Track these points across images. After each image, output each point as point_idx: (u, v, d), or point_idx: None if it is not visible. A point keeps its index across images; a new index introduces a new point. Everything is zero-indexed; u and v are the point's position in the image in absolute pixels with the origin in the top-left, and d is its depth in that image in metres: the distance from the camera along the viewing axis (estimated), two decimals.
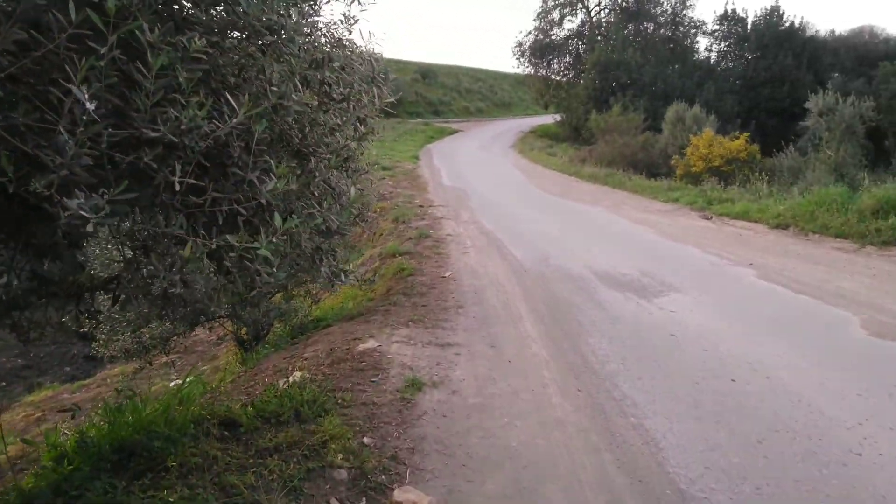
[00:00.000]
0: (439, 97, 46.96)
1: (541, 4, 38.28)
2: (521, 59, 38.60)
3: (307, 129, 2.82)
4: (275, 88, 2.37)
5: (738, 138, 18.02)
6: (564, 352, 5.65)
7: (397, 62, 47.33)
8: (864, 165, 16.37)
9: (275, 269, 2.21)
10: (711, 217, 13.45)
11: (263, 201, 2.33)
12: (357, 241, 13.92)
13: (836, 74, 29.84)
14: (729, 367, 5.34)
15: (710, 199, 14.74)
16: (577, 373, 5.17)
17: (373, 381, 4.68)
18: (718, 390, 4.86)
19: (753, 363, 5.40)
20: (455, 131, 35.90)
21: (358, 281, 6.40)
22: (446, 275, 8.63)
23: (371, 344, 5.44)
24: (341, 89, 2.94)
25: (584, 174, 20.25)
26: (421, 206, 15.19)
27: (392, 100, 4.33)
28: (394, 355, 5.24)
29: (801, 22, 30.88)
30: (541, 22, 38.10)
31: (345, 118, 3.12)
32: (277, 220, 2.21)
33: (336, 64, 2.86)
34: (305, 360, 5.27)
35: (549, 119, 38.40)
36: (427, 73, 48.33)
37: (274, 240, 2.17)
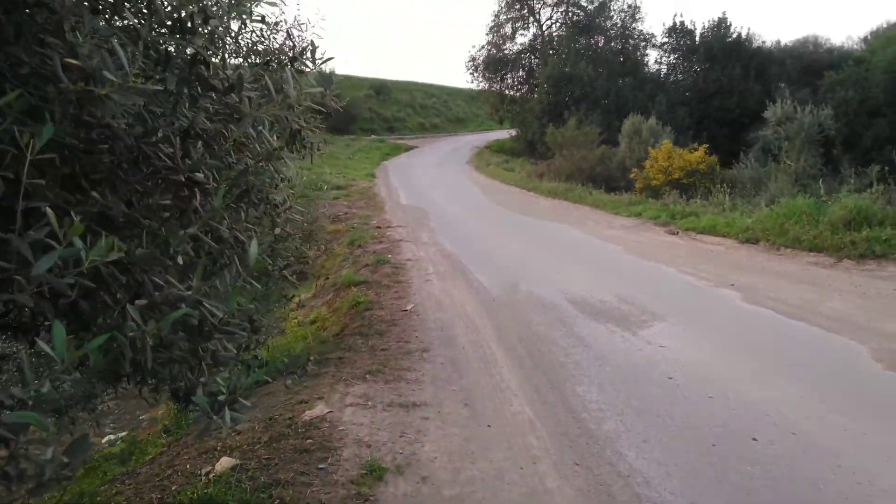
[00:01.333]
0: (393, 113, 45.99)
1: (492, 18, 37.77)
2: (475, 74, 37.96)
3: (174, 139, 1.79)
4: (74, 61, 1.32)
5: (696, 150, 17.53)
6: (551, 407, 4.70)
7: (349, 78, 46.20)
8: (825, 174, 16.05)
9: (52, 455, 1.14)
10: (678, 232, 12.79)
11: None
12: (310, 268, 12.80)
13: (783, 84, 30.02)
14: (744, 419, 4.47)
15: (674, 213, 14.12)
16: (570, 437, 4.22)
17: (320, 469, 3.64)
18: (741, 455, 3.98)
19: (771, 413, 4.55)
20: (411, 148, 34.97)
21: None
22: (408, 308, 7.62)
23: (320, 410, 4.39)
24: (227, 73, 1.88)
25: (543, 189, 19.52)
26: (378, 227, 14.16)
27: (333, 96, 3.38)
28: (347, 426, 4.21)
29: (748, 33, 31.02)
30: (493, 36, 37.57)
31: (256, 118, 2.08)
32: (58, 340, 1.15)
33: (216, 23, 1.81)
34: (238, 434, 4.20)
35: (504, 134, 37.79)
36: (381, 89, 47.28)
37: (45, 388, 1.13)
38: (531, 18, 37.71)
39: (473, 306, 7.59)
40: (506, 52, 37.68)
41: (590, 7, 36.23)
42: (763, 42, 31.71)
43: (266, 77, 1.94)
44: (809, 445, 4.09)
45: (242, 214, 2.07)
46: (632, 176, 18.45)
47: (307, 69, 2.68)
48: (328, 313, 8.18)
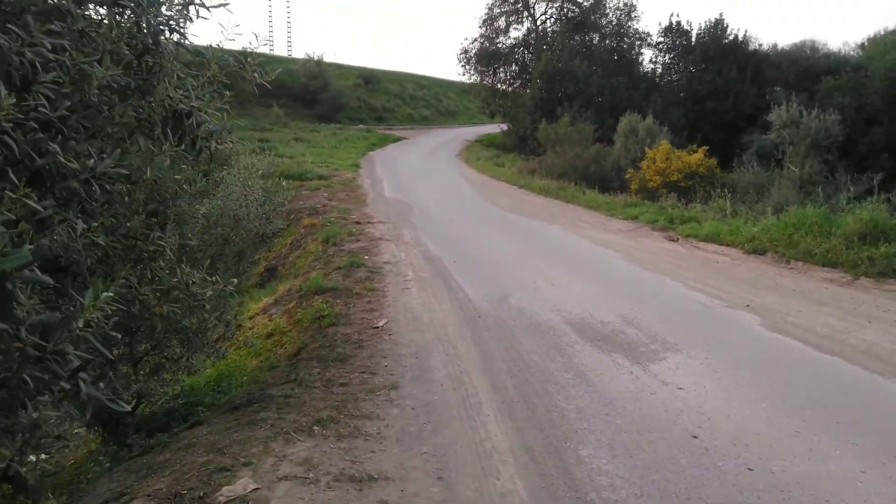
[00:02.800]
0: (383, 103, 44.54)
1: (486, 11, 36.38)
2: (467, 67, 36.59)
3: None
4: None
5: (695, 152, 16.44)
6: (550, 481, 3.54)
7: (338, 66, 44.66)
8: (830, 181, 15.03)
9: None
10: (678, 239, 11.70)
11: None
12: (279, 264, 11.59)
13: (779, 88, 29.06)
14: None
15: (672, 217, 13.05)
16: None
17: None
18: None
19: (832, 499, 3.43)
20: (399, 139, 33.66)
21: None
22: (380, 324, 6.44)
23: (241, 487, 3.19)
24: None
25: (535, 187, 18.36)
26: (357, 222, 12.95)
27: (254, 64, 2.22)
28: None
29: (745, 35, 29.95)
30: (486, 29, 36.18)
31: None
32: None
33: None
34: None
35: (495, 128, 36.50)
36: (370, 79, 45.79)
37: None
38: (525, 13, 36.45)
39: (456, 325, 6.42)
40: (499, 45, 36.39)
41: (585, 3, 35.02)
42: (760, 45, 30.71)
43: None
44: None
45: None
46: (627, 176, 17.35)
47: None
48: (288, 325, 6.99)
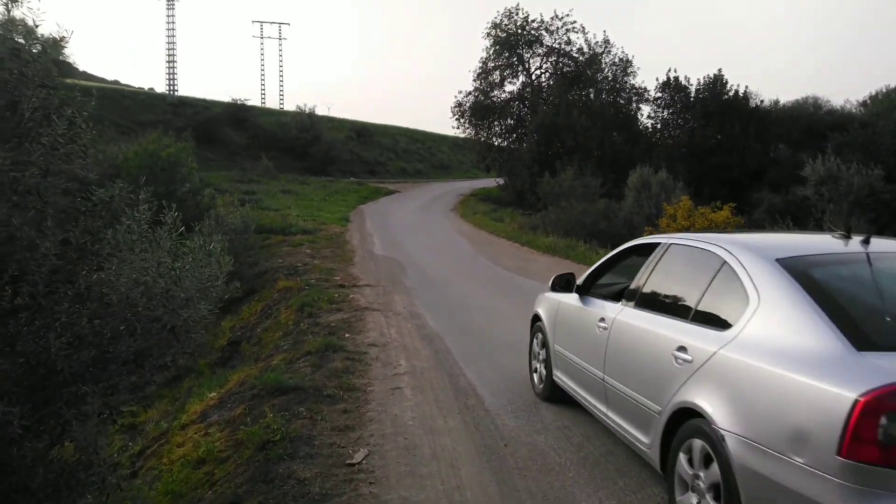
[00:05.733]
0: (375, 157, 42.96)
1: (480, 65, 35.06)
2: (462, 120, 34.98)
3: None
4: None
5: (720, 209, 14.48)
6: None
7: (331, 119, 43.25)
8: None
9: None
10: None
11: None
12: (244, 336, 9.29)
13: (783, 145, 27.63)
14: None
15: None
16: None
17: None
18: None
19: None
20: (391, 192, 31.74)
21: None
22: (356, 459, 4.14)
23: None
24: None
25: (540, 245, 16.25)
26: (341, 285, 10.71)
27: None
28: None
29: (745, 91, 28.65)
30: (481, 83, 34.80)
31: None
32: None
33: None
34: None
35: (489, 182, 34.68)
36: (363, 132, 44.41)
37: None
38: (520, 67, 35.22)
39: (472, 462, 4.11)
40: (494, 99, 34.97)
41: (581, 58, 33.88)
42: (761, 101, 29.40)
43: None
44: None
45: None
46: (646, 235, 15.31)
47: None
48: (226, 447, 4.67)
